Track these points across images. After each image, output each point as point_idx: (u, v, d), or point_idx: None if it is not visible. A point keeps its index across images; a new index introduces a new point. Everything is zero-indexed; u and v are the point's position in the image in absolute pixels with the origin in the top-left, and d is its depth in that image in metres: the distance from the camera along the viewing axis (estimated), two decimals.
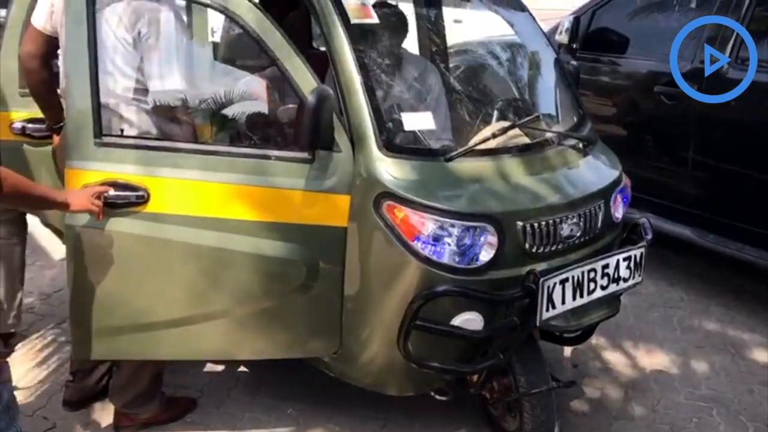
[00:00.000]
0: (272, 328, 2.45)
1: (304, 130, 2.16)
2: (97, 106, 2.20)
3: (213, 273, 2.35)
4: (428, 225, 2.27)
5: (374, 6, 2.55)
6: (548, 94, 3.11)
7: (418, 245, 2.28)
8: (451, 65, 3.14)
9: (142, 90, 2.34)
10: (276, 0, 2.74)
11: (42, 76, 2.57)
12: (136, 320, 2.38)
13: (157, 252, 2.30)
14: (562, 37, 4.63)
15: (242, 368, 3.14)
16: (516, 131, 2.62)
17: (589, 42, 4.68)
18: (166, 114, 2.40)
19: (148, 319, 2.38)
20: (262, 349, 2.51)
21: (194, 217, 2.29)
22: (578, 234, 2.50)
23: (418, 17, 3.16)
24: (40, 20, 2.53)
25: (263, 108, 2.53)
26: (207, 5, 2.38)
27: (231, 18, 2.30)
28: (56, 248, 4.11)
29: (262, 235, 2.33)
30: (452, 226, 2.28)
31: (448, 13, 3.21)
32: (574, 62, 3.27)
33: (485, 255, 2.30)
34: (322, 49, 3.58)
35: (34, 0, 2.62)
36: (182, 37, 2.38)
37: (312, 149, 2.27)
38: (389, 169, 2.30)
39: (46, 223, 3.30)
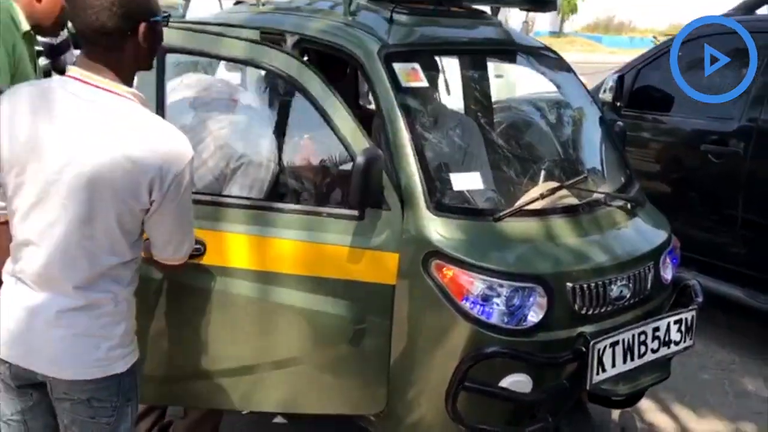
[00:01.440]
0: (319, 384, 2.46)
1: (354, 189, 2.21)
2: None
3: (263, 326, 2.38)
4: (477, 285, 2.28)
5: (422, 65, 2.61)
6: (595, 154, 3.12)
7: (466, 305, 2.28)
8: (496, 123, 3.18)
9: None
10: (330, 64, 2.83)
11: None
12: (185, 369, 2.42)
13: (210, 303, 2.35)
14: (606, 95, 4.66)
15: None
16: (564, 191, 2.63)
17: (633, 100, 4.70)
18: (223, 171, 2.48)
19: (197, 368, 2.42)
20: (308, 404, 2.51)
21: (247, 270, 2.34)
22: (628, 296, 2.48)
23: (463, 74, 3.22)
24: None
25: (315, 165, 2.58)
26: (265, 68, 2.47)
27: (289, 81, 2.38)
28: None
29: (311, 290, 2.36)
30: (501, 286, 2.28)
31: (491, 69, 3.27)
32: (620, 122, 3.28)
33: (534, 316, 2.30)
34: (368, 107, 3.70)
35: None
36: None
37: (361, 207, 2.31)
38: (438, 229, 2.32)
39: None
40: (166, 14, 1.77)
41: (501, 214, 2.40)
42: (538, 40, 3.60)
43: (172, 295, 2.35)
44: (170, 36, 2.23)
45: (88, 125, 1.66)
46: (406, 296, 2.36)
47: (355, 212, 2.34)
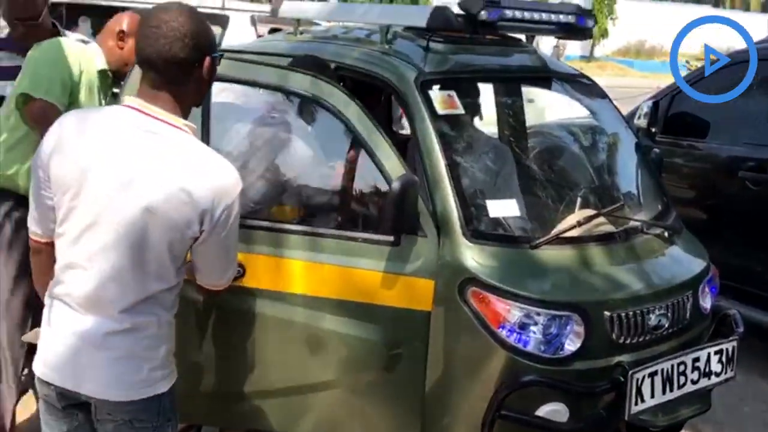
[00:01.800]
0: (354, 410, 2.46)
1: (388, 215, 2.23)
2: None
3: (298, 349, 2.40)
4: (514, 313, 2.27)
5: (457, 92, 2.62)
6: (631, 181, 3.10)
7: (503, 333, 2.27)
8: (530, 148, 3.18)
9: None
10: (365, 91, 2.86)
11: None
12: (223, 389, 2.46)
13: (247, 325, 2.38)
14: (641, 122, 4.63)
15: None
16: (600, 219, 2.62)
17: (668, 126, 4.66)
18: (261, 194, 2.53)
19: (235, 389, 2.45)
20: (343, 430, 2.51)
21: (283, 293, 2.38)
22: (666, 325, 2.46)
23: (498, 100, 3.23)
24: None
25: (351, 190, 2.61)
26: (302, 96, 2.50)
27: (325, 106, 2.41)
28: None
29: (345, 314, 2.37)
30: (538, 314, 2.27)
31: (525, 94, 3.28)
32: (656, 149, 3.26)
33: (572, 345, 2.28)
34: (402, 132, 3.73)
35: None
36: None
37: (397, 233, 2.32)
38: (474, 256, 2.32)
39: None
40: (221, 51, 1.84)
41: (538, 241, 2.39)
42: (570, 65, 3.60)
43: (211, 316, 2.40)
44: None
45: (147, 155, 1.70)
46: (442, 323, 2.35)
47: (391, 238, 2.35)
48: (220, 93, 2.59)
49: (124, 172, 1.69)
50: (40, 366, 1.82)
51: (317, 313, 2.37)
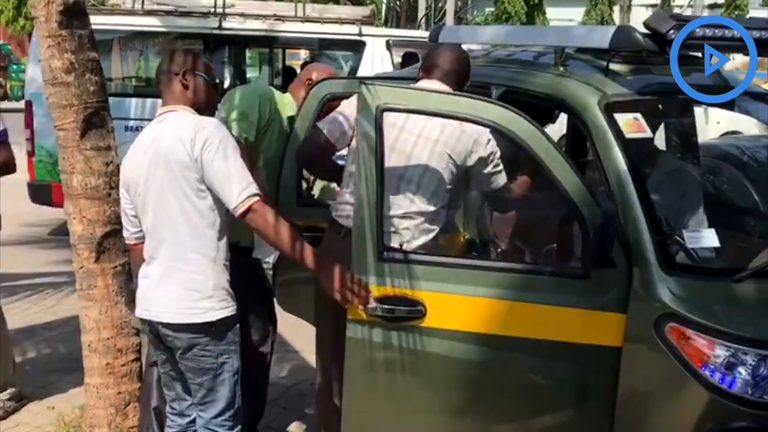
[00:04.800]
0: None
1: (590, 249, 2.13)
2: (381, 223, 2.30)
3: (482, 389, 2.34)
4: (719, 352, 2.11)
5: (643, 113, 2.49)
6: None
7: (706, 373, 2.11)
8: (719, 173, 2.99)
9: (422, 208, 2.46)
10: (537, 115, 2.77)
11: (319, 165, 2.93)
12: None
13: (432, 367, 2.33)
14: None
15: None
16: None
17: None
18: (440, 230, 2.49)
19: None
20: None
21: (466, 332, 2.30)
22: None
23: (680, 121, 3.05)
24: (328, 126, 2.75)
25: (533, 223, 2.53)
26: (485, 125, 2.42)
27: (509, 137, 2.34)
28: (296, 337, 4.29)
29: (531, 352, 2.29)
30: (746, 354, 2.10)
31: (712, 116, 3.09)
32: None
33: None
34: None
35: (320, 110, 2.91)
36: None
37: (588, 267, 2.22)
38: (673, 289, 2.17)
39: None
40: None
41: (743, 274, 2.22)
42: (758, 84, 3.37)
43: (393, 359, 2.33)
44: (384, 95, 2.28)
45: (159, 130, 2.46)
46: (635, 360, 2.23)
47: (580, 270, 2.25)
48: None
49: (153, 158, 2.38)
50: (138, 309, 2.50)
51: (501, 353, 2.30)
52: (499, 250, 2.55)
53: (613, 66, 2.70)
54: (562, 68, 2.75)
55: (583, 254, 2.16)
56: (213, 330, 2.40)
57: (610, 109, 2.46)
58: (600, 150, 2.40)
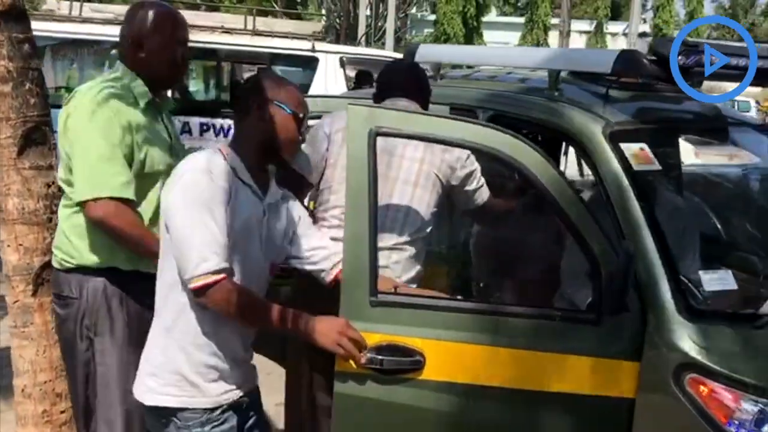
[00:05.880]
0: None
1: (610, 294, 1.93)
2: (376, 261, 2.05)
3: None
4: (746, 406, 1.93)
5: (649, 144, 2.33)
6: None
7: (731, 430, 1.94)
8: (729, 208, 2.85)
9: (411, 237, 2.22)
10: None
11: None
12: None
13: (434, 426, 2.08)
14: None
15: None
16: None
17: None
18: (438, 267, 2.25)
19: None
20: None
21: (472, 385, 2.06)
22: None
23: (682, 153, 2.92)
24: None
25: (544, 266, 2.32)
26: (495, 156, 2.15)
27: (521, 172, 2.11)
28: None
29: (538, 405, 2.08)
30: None
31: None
32: None
33: None
34: None
35: None
36: None
37: (601, 312, 2.02)
38: (693, 336, 2.00)
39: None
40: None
41: (766, 320, 2.06)
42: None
43: (388, 418, 2.07)
44: (380, 117, 2.04)
45: None
46: (651, 413, 2.03)
47: (591, 316, 2.06)
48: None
49: None
50: None
51: (506, 407, 2.08)
52: (505, 293, 2.32)
53: (612, 93, 2.54)
54: (556, 93, 2.58)
55: (606, 300, 1.96)
56: (151, 414, 1.99)
57: (614, 138, 2.28)
58: (605, 181, 2.22)
